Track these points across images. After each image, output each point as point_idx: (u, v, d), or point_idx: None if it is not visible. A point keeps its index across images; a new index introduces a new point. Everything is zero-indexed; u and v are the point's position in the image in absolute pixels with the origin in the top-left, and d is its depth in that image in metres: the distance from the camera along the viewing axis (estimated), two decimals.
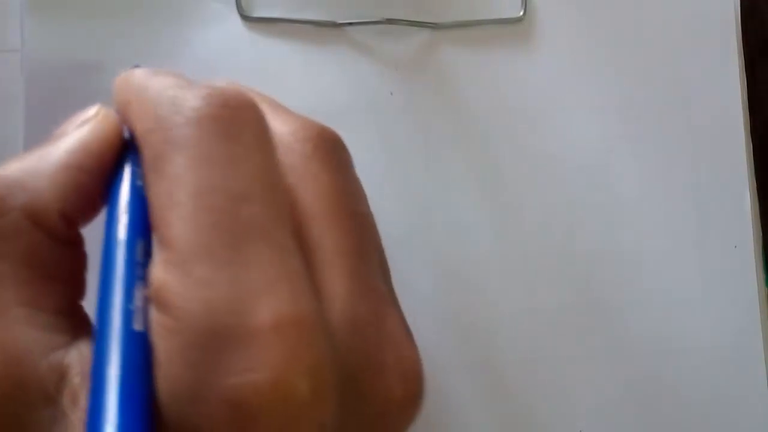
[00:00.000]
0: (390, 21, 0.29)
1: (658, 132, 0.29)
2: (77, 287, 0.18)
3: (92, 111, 0.19)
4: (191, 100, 0.16)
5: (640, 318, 0.28)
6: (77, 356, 0.16)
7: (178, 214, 0.15)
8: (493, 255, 0.28)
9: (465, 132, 0.29)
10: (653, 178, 0.29)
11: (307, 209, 0.17)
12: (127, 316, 0.15)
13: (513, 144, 0.29)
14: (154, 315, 0.15)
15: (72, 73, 0.28)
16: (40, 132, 0.28)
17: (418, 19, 0.29)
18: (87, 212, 0.18)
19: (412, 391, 0.17)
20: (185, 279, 0.14)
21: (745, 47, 0.30)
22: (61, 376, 0.15)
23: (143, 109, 0.17)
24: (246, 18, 0.29)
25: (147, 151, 0.16)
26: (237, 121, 0.16)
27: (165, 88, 0.17)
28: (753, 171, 0.29)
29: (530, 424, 0.28)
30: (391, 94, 0.29)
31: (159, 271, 0.15)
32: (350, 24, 0.29)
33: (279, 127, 0.18)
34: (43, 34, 0.28)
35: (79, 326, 0.17)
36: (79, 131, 0.18)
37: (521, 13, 0.30)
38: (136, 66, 0.20)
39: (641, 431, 0.28)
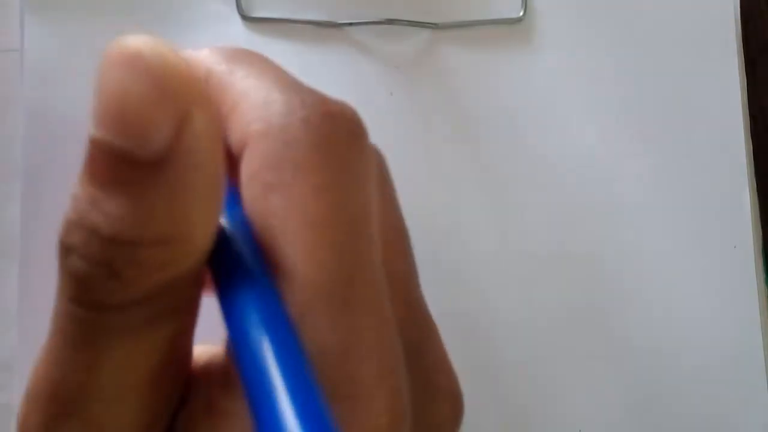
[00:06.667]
0: (390, 21, 0.29)
1: (657, 132, 0.29)
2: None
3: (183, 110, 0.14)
4: (311, 113, 0.15)
5: (640, 318, 0.28)
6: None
7: (296, 243, 0.14)
8: (493, 255, 0.28)
9: (465, 132, 0.29)
10: (653, 178, 0.29)
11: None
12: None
13: (513, 144, 0.29)
14: None
15: (71, 73, 0.28)
16: (39, 132, 0.28)
17: (418, 19, 0.29)
18: None
19: (458, 409, 0.17)
20: (302, 324, 0.14)
21: (745, 47, 0.30)
22: None
23: (248, 111, 0.15)
24: (246, 18, 0.29)
25: (256, 163, 0.14)
26: (355, 146, 0.15)
27: (271, 90, 0.15)
28: (753, 171, 0.29)
29: (530, 424, 0.28)
30: (391, 94, 0.29)
31: None
32: (350, 24, 0.29)
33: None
34: (42, 33, 0.28)
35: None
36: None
37: (521, 13, 0.30)
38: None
39: (641, 431, 0.28)
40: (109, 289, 0.13)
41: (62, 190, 0.30)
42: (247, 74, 0.16)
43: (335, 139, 0.15)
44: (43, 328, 0.29)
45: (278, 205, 0.14)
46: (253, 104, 0.15)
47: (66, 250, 0.13)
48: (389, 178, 0.18)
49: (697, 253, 0.29)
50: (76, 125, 0.28)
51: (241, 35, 0.29)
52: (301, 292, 0.14)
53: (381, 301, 0.15)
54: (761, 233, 0.29)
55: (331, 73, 0.28)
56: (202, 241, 0.13)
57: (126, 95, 0.12)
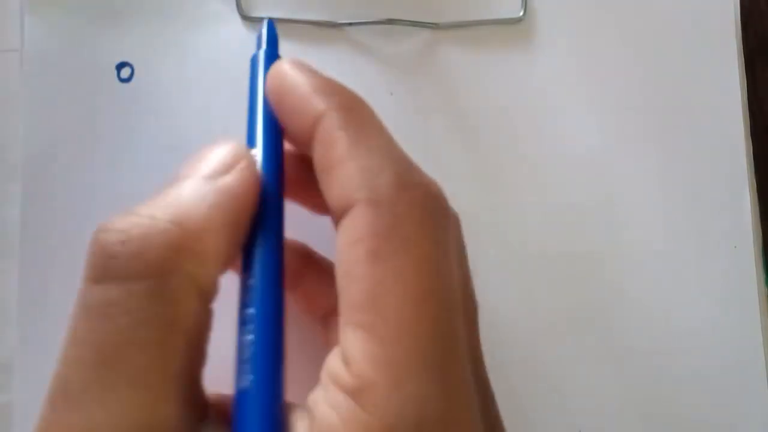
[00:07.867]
0: (390, 21, 0.29)
1: (657, 132, 0.29)
2: (205, 356, 0.17)
3: (229, 153, 0.17)
4: (418, 192, 0.17)
5: (639, 318, 0.28)
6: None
7: (399, 314, 0.15)
8: (492, 254, 0.28)
9: (465, 132, 0.29)
10: (653, 179, 0.29)
11: None
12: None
13: (513, 144, 0.29)
14: (348, 402, 0.14)
15: (71, 73, 0.28)
16: (39, 132, 0.28)
17: (418, 19, 0.29)
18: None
19: None
20: (397, 388, 0.14)
21: (745, 47, 0.30)
22: None
23: (355, 174, 0.17)
24: (246, 18, 0.29)
25: (362, 229, 0.16)
26: (446, 225, 0.17)
27: (382, 160, 0.17)
28: (753, 171, 0.29)
29: (530, 424, 0.28)
30: (391, 94, 0.29)
31: (367, 367, 0.15)
32: (350, 24, 0.29)
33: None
34: (42, 34, 0.28)
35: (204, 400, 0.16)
36: (227, 183, 0.17)
37: (521, 13, 0.30)
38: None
39: (641, 431, 0.28)
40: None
41: (62, 190, 0.30)
42: (358, 133, 0.18)
43: (434, 217, 0.16)
44: (43, 328, 0.29)
45: (383, 273, 0.15)
46: (362, 169, 0.17)
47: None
48: (464, 246, 0.20)
49: (697, 253, 0.29)
50: (76, 125, 0.28)
51: (241, 35, 0.29)
52: (402, 354, 0.15)
53: (469, 372, 0.16)
54: (761, 233, 0.29)
55: (331, 74, 0.28)
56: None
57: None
